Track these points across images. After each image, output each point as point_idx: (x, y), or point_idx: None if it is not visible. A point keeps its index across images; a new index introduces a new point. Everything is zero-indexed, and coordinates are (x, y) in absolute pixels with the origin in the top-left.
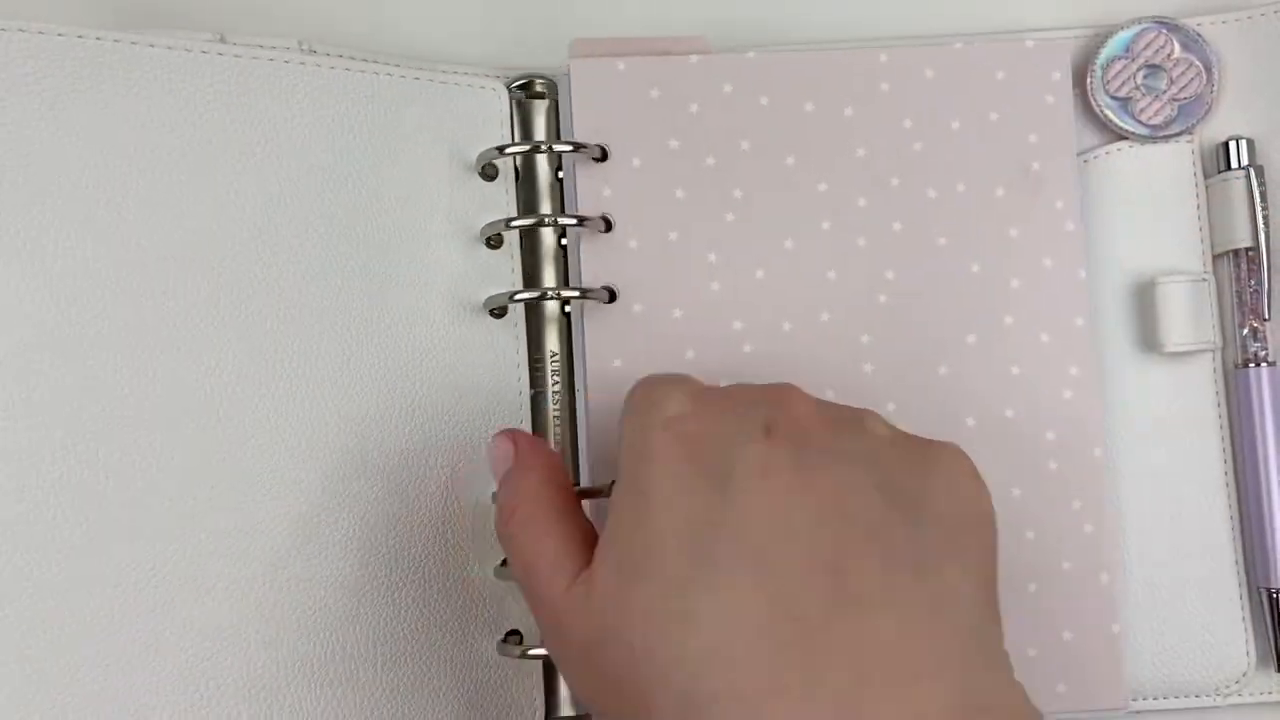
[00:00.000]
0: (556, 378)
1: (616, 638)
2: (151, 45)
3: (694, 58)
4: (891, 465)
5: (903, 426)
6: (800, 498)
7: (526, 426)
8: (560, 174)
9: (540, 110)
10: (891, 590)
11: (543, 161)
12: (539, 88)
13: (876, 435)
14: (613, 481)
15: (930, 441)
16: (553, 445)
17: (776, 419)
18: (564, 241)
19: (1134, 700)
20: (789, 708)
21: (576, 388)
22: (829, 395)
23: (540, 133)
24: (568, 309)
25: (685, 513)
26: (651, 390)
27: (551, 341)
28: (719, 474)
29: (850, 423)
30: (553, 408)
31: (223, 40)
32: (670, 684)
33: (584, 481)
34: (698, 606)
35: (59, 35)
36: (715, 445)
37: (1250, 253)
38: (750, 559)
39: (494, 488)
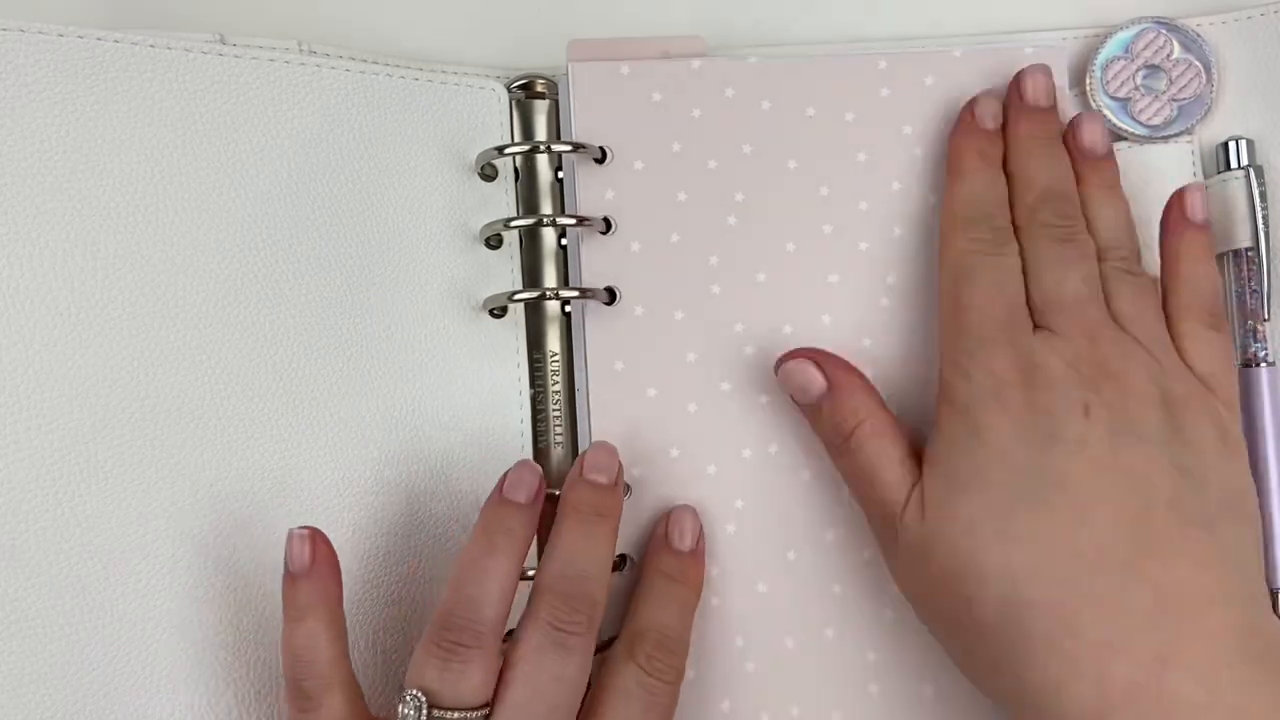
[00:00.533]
0: (556, 378)
1: (942, 544)
2: (152, 45)
3: (696, 62)
4: (1185, 444)
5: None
6: (1110, 472)
7: (527, 427)
8: (560, 175)
9: (540, 110)
10: (1185, 541)
11: (543, 162)
12: (539, 88)
13: (1179, 423)
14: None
15: (1220, 431)
16: (552, 445)
17: (1093, 400)
18: (564, 242)
19: None
20: (1101, 616)
21: (577, 388)
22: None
23: (541, 133)
24: (568, 309)
25: (1012, 454)
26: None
27: (552, 342)
28: (1045, 434)
29: (1159, 407)
30: (552, 408)
31: (223, 41)
32: (990, 591)
33: None
34: (1019, 529)
35: (59, 35)
36: (1044, 414)
37: (1250, 253)
38: (1066, 506)
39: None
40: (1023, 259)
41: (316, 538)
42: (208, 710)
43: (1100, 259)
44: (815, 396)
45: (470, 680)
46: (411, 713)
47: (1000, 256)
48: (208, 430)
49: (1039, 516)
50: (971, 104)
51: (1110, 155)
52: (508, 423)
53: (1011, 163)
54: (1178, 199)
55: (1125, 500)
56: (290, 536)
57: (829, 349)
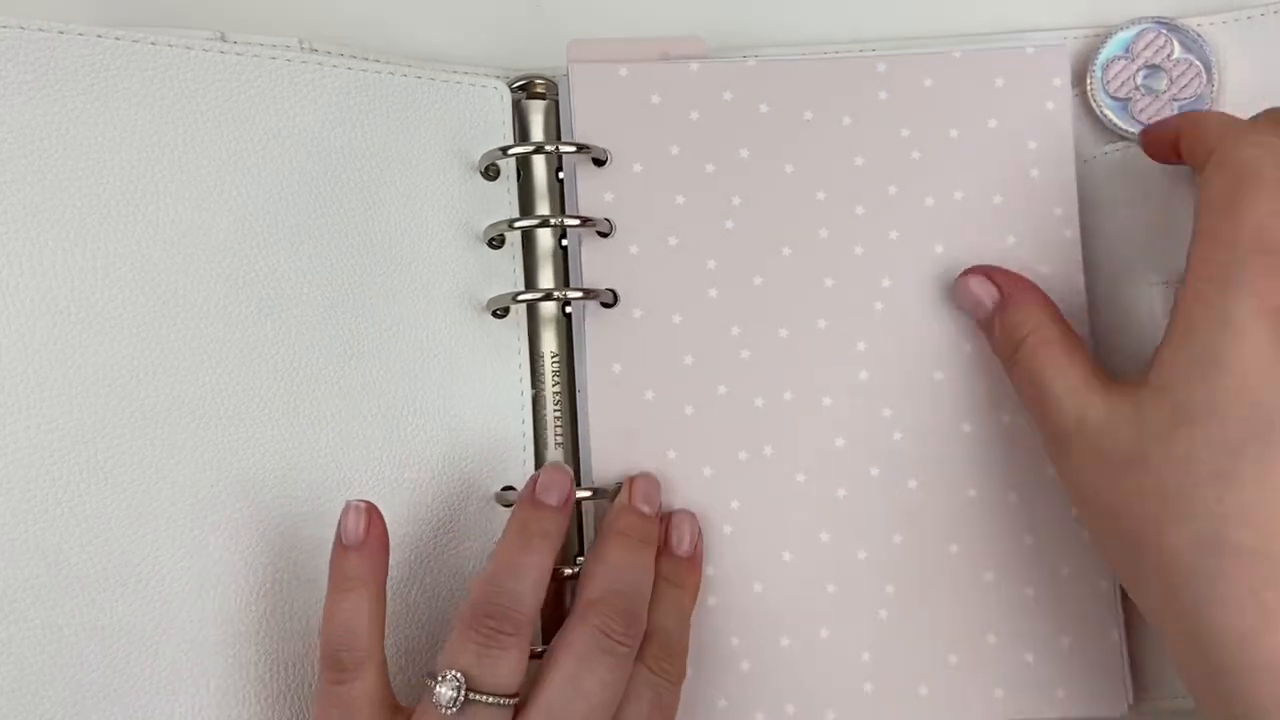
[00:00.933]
0: (557, 378)
1: (1145, 467)
2: (153, 43)
3: (694, 64)
4: None
5: (898, 434)
6: None
7: (528, 427)
8: (560, 175)
9: (538, 110)
10: None
11: (542, 162)
12: (539, 88)
13: None
14: (620, 484)
15: None
16: (552, 445)
17: None
18: (564, 243)
19: (1140, 700)
20: None
21: (578, 389)
22: (825, 402)
23: (539, 133)
24: (568, 310)
25: (1257, 386)
26: (1246, 253)
27: (551, 342)
28: None
29: None
30: (552, 408)
31: (223, 38)
32: (1193, 526)
33: (585, 481)
34: (1242, 470)
35: (60, 32)
36: None
37: None
38: None
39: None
40: None
41: (372, 512)
42: (215, 712)
43: None
44: (989, 310)
45: (508, 665)
46: (451, 692)
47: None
48: (208, 430)
49: (1269, 459)
50: None
51: None
52: (509, 423)
53: None
54: None
55: None
56: (347, 508)
57: (824, 351)
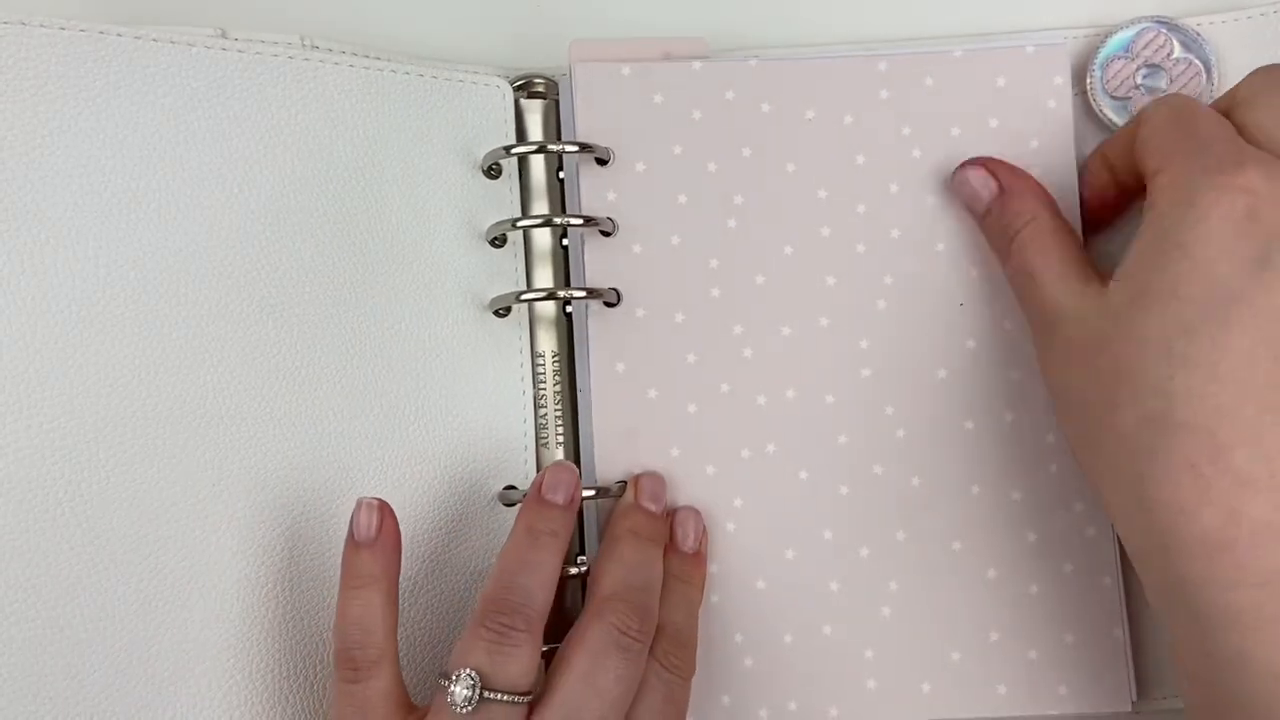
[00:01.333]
0: (558, 378)
1: (1108, 350)
2: (154, 40)
3: (697, 64)
4: None
5: (901, 431)
6: None
7: (530, 427)
8: (560, 175)
9: (536, 110)
10: None
11: (541, 162)
12: (538, 87)
13: None
14: (623, 482)
15: None
16: (553, 445)
17: None
18: (564, 242)
19: (1144, 699)
20: (1253, 455)
21: (579, 389)
22: (828, 400)
23: (537, 133)
24: (568, 309)
25: (1216, 274)
26: (1209, 144)
27: (550, 342)
28: (1259, 256)
29: None
30: (553, 407)
31: (224, 36)
32: (1141, 404)
33: (587, 480)
34: (1196, 351)
35: (61, 29)
36: (1261, 231)
37: None
38: (1254, 337)
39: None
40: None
41: (384, 509)
42: (219, 712)
43: None
44: (986, 202)
45: (521, 663)
46: (466, 691)
47: None
48: (209, 430)
49: (1219, 341)
50: None
51: None
52: (511, 422)
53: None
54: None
55: None
56: (359, 505)
57: (827, 350)
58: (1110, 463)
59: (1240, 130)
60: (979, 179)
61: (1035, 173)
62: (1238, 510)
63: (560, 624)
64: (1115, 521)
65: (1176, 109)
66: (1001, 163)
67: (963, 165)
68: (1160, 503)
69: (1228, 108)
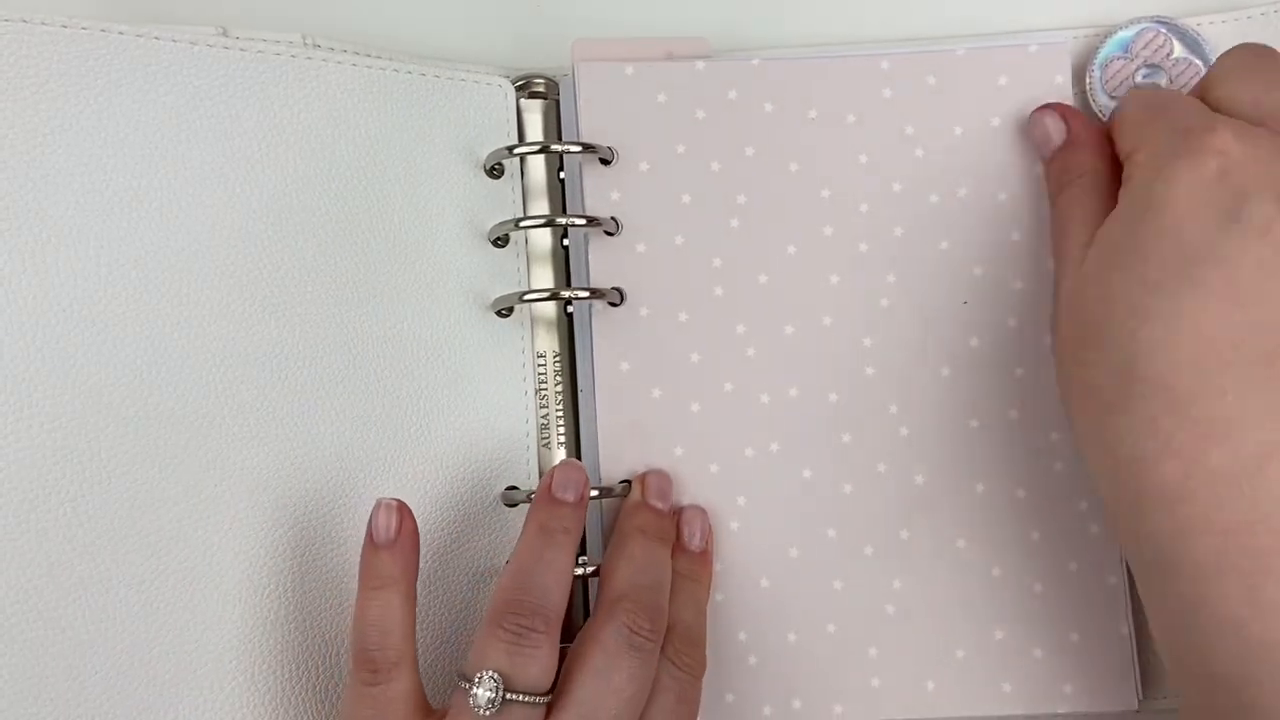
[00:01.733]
0: (559, 378)
1: (1084, 309)
2: (156, 38)
3: (700, 63)
4: None
5: (904, 429)
6: None
7: (533, 427)
8: (562, 175)
9: (536, 110)
10: None
11: (541, 161)
12: (538, 87)
13: None
14: (626, 482)
15: None
16: (554, 445)
17: None
18: (565, 242)
19: (1150, 698)
20: (1212, 408)
21: (581, 389)
22: (831, 399)
23: (537, 132)
24: (569, 309)
25: (1184, 232)
26: (1181, 118)
27: (552, 342)
28: (1229, 210)
29: None
30: (555, 407)
31: (225, 34)
32: (1113, 360)
33: (592, 480)
34: (1160, 305)
35: (63, 27)
36: (1231, 188)
37: None
38: (1218, 293)
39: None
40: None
41: (403, 510)
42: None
43: None
44: (1055, 145)
45: (541, 663)
46: (489, 694)
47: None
48: (211, 430)
49: (1184, 296)
50: None
51: None
52: (514, 422)
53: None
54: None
55: None
56: (378, 506)
57: (830, 349)
58: (1089, 421)
59: (1214, 107)
60: (1054, 123)
61: (1037, 171)
62: (1197, 460)
63: (565, 624)
64: (1096, 481)
65: (1148, 95)
66: (1077, 113)
67: (1041, 108)
68: (1126, 459)
69: (1202, 92)
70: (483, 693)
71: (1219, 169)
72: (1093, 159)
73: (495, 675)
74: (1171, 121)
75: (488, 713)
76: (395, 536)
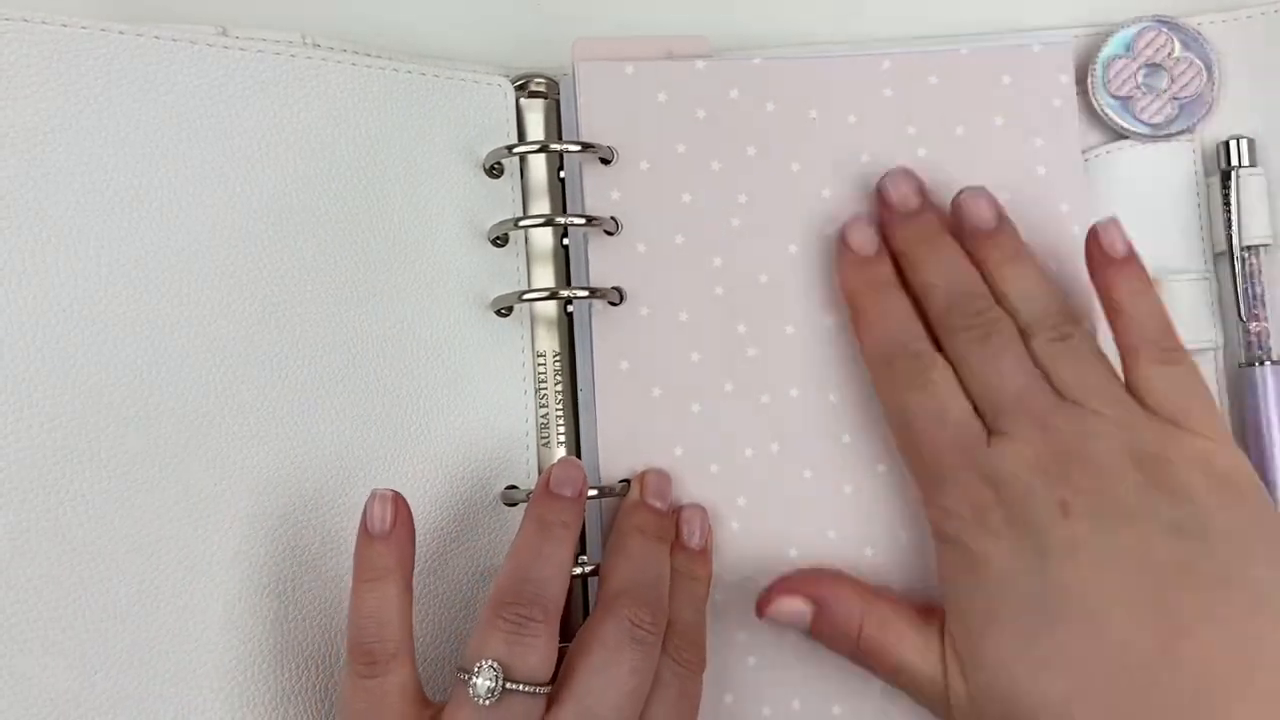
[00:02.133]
0: (559, 377)
1: (985, 693)
2: (156, 37)
3: (700, 63)
4: (1173, 499)
5: None
6: (1109, 565)
7: (533, 426)
8: (562, 174)
9: (536, 109)
10: (1210, 607)
11: (541, 161)
12: (537, 87)
13: (1159, 479)
14: (625, 481)
15: (1204, 467)
16: (554, 444)
17: (1067, 495)
18: (565, 241)
19: None
20: (1152, 711)
21: (580, 388)
22: (831, 399)
23: (536, 132)
24: (569, 309)
25: (1013, 579)
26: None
27: (552, 341)
28: (1035, 549)
29: (1134, 471)
30: (554, 407)
31: (225, 34)
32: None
33: (590, 480)
34: (1046, 654)
35: (63, 26)
36: (1026, 527)
37: (1247, 252)
38: (1081, 617)
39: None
40: (953, 365)
41: (398, 501)
42: (222, 711)
43: (1027, 337)
44: (809, 621)
45: (540, 653)
46: (489, 683)
47: (930, 384)
48: (211, 429)
49: (1059, 635)
50: (844, 235)
51: (1003, 224)
52: (514, 421)
53: (906, 273)
54: (1094, 239)
55: (1134, 588)
56: (373, 497)
57: (831, 350)
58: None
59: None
60: (792, 605)
61: (1039, 171)
62: None
63: (565, 623)
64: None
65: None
66: (800, 577)
67: (763, 601)
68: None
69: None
70: (482, 682)
71: (1006, 519)
72: (856, 602)
73: (494, 665)
74: (929, 467)
75: (487, 702)
76: (390, 527)
